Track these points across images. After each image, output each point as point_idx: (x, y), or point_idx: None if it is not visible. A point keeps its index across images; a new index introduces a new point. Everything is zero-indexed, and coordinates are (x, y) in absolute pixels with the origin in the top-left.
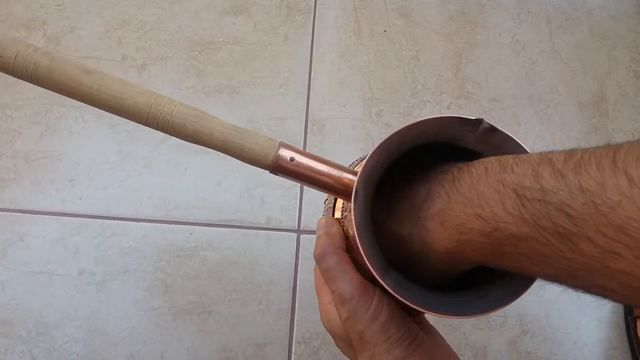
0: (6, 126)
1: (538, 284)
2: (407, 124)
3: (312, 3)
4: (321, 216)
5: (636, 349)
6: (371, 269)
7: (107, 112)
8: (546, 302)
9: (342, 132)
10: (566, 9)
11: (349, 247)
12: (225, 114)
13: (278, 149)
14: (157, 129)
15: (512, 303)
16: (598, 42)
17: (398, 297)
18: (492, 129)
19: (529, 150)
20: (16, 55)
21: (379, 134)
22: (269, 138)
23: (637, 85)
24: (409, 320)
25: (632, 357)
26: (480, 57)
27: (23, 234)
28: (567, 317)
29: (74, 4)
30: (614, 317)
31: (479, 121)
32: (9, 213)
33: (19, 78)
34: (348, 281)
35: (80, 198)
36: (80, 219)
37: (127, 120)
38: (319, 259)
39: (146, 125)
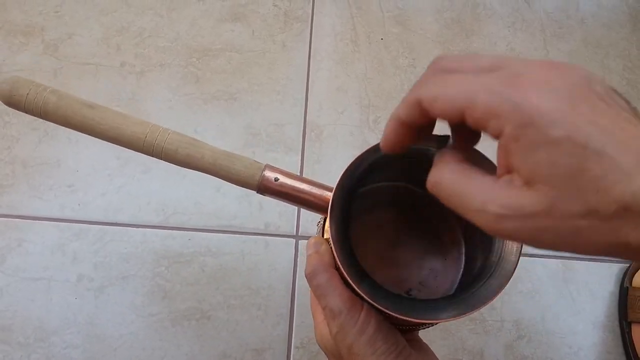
0: (4, 132)
1: (533, 287)
2: (367, 149)
3: (310, 11)
4: (315, 232)
5: (630, 353)
6: (347, 276)
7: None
8: (542, 307)
9: (339, 138)
10: (560, 17)
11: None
12: (223, 121)
13: (263, 170)
14: (153, 156)
15: (495, 302)
16: (591, 50)
17: (371, 302)
18: None
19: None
20: (27, 94)
21: (376, 141)
22: (255, 161)
23: (630, 93)
24: (397, 334)
25: None
26: None
27: (21, 239)
28: (562, 322)
29: (72, 11)
30: (609, 321)
31: (445, 138)
32: (7, 219)
33: (30, 114)
34: (337, 296)
35: (79, 204)
36: (78, 224)
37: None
38: (310, 277)
39: (143, 153)
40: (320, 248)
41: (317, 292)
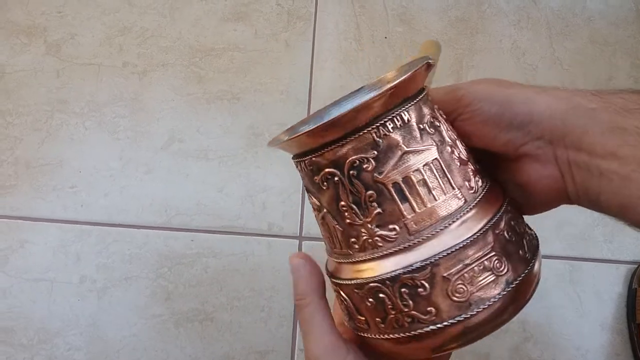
0: (7, 133)
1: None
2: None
3: (313, 10)
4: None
5: (639, 355)
6: None
7: (109, 119)
8: (549, 308)
9: None
10: (566, 15)
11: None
12: (226, 120)
13: None
14: None
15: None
16: (598, 48)
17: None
18: None
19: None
20: None
21: None
22: None
23: None
24: None
25: None
26: (481, 63)
27: (24, 241)
28: (569, 323)
29: (74, 11)
30: (617, 323)
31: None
32: (9, 220)
33: None
34: (318, 339)
35: (82, 205)
36: (81, 226)
37: (126, 127)
38: (297, 308)
39: None
40: (304, 270)
41: (301, 328)
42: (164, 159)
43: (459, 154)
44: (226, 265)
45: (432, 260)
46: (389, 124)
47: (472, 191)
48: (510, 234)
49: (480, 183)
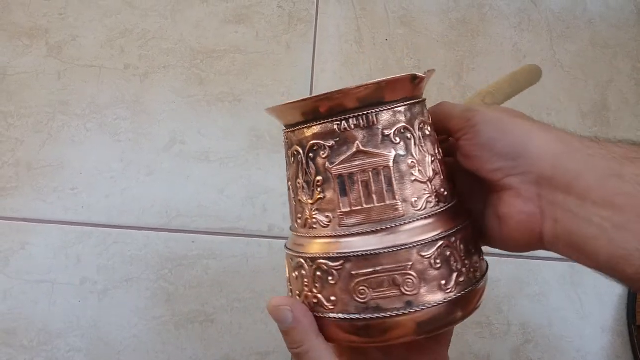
0: (8, 134)
1: (540, 290)
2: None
3: (314, 12)
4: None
5: (639, 357)
6: None
7: (111, 121)
8: (550, 310)
9: None
10: (567, 17)
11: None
12: (227, 122)
13: None
14: None
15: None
16: (599, 50)
17: None
18: None
19: None
20: None
21: None
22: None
23: (639, 94)
24: None
25: None
26: (482, 65)
27: (25, 242)
28: (570, 326)
29: (76, 13)
30: (617, 325)
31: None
32: (11, 222)
33: None
34: None
35: (83, 206)
36: (82, 227)
37: (128, 129)
38: (296, 357)
39: None
40: (292, 317)
41: None
42: (165, 160)
43: (421, 171)
44: (227, 267)
45: (347, 256)
46: (352, 121)
47: (415, 208)
48: (439, 262)
49: (432, 205)
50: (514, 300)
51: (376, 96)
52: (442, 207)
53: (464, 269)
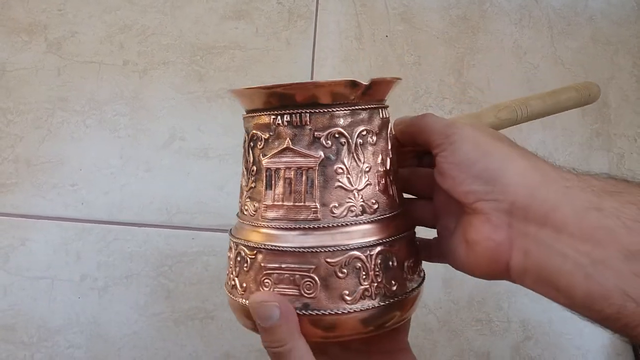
0: (8, 130)
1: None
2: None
3: (314, 8)
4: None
5: (639, 355)
6: None
7: (110, 117)
8: (549, 308)
9: None
10: (568, 14)
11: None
12: (227, 119)
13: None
14: None
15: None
16: (600, 47)
17: None
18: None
19: None
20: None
21: None
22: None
23: None
24: None
25: None
26: (482, 62)
27: (25, 239)
28: (570, 323)
29: (75, 9)
30: None
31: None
32: (10, 218)
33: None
34: None
35: (82, 203)
36: (82, 223)
37: (127, 125)
38: (275, 356)
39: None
40: (278, 314)
41: None
42: (165, 157)
43: (349, 179)
44: (227, 264)
45: (260, 248)
46: (286, 117)
47: (333, 215)
48: (346, 271)
49: (353, 215)
50: (514, 297)
51: (310, 97)
52: (365, 219)
53: (375, 284)
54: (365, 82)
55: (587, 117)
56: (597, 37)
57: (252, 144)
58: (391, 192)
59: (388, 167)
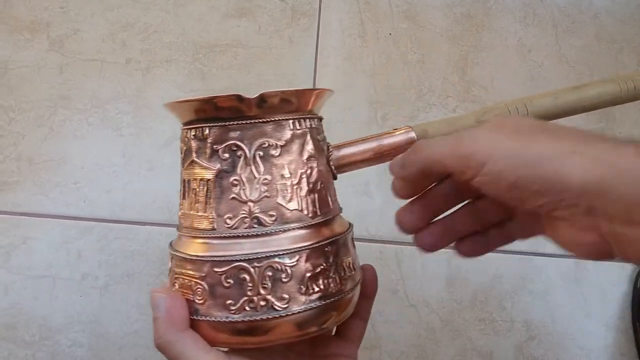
0: (10, 129)
1: (543, 287)
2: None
3: (317, 6)
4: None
5: None
6: None
7: (112, 115)
8: (553, 307)
9: (347, 135)
10: (572, 12)
11: None
12: None
13: None
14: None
15: None
16: (605, 45)
17: None
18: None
19: None
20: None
21: None
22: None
23: None
24: None
25: None
26: (486, 60)
27: (26, 237)
28: (573, 323)
29: (77, 7)
30: (622, 323)
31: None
32: (12, 216)
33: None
34: None
35: (84, 201)
36: (83, 222)
37: (130, 123)
38: (161, 350)
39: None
40: (164, 305)
41: None
42: (167, 155)
43: (244, 191)
44: None
45: (172, 254)
46: (192, 132)
47: (226, 225)
48: (231, 281)
49: (245, 226)
50: (517, 297)
51: (210, 111)
52: (259, 231)
53: (258, 296)
54: (251, 96)
55: (592, 115)
56: (602, 35)
57: (181, 154)
58: (299, 204)
59: (299, 179)
